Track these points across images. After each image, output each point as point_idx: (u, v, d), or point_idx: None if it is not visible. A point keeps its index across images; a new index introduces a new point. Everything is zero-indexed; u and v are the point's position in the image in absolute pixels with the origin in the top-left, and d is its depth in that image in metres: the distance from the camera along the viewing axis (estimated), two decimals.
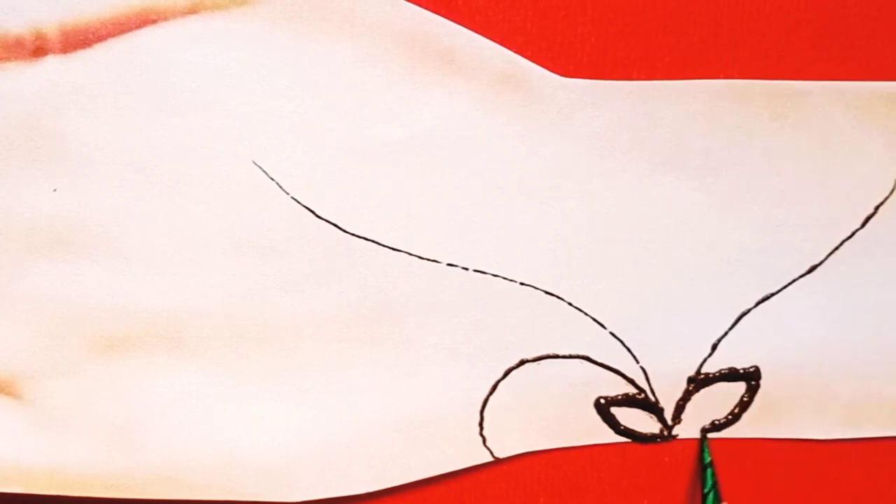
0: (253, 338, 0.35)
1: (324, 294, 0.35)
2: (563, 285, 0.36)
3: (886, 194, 0.36)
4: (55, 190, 0.34)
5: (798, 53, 0.35)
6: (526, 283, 0.36)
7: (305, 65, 0.34)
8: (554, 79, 0.35)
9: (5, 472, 0.35)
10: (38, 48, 0.34)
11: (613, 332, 0.36)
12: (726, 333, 0.36)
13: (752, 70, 0.35)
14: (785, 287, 0.36)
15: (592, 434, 0.36)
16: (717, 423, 0.37)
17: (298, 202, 0.35)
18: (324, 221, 0.35)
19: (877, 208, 0.36)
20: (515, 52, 0.35)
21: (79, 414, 0.35)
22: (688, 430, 0.37)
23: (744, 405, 0.36)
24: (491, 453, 0.36)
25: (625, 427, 0.36)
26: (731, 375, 0.36)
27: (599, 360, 0.36)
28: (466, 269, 0.35)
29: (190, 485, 0.35)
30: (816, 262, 0.36)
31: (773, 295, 0.36)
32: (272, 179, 0.35)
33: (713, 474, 0.36)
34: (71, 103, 0.34)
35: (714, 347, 0.36)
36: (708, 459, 0.36)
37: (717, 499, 0.36)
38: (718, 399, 0.37)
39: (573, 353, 0.36)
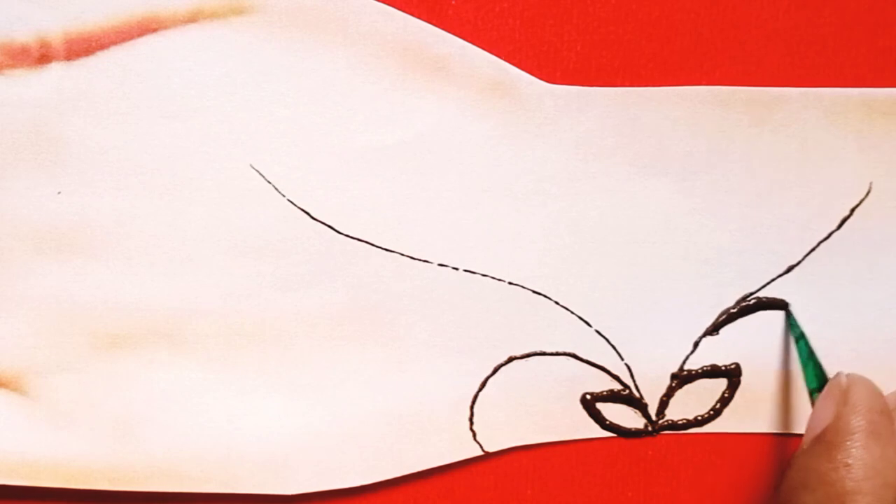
0: (250, 335, 0.35)
1: (318, 293, 0.35)
2: (549, 285, 0.36)
3: (861, 197, 0.36)
4: (59, 192, 0.34)
5: (776, 61, 0.36)
6: (514, 282, 0.36)
7: (300, 72, 0.34)
8: (541, 85, 0.35)
9: (11, 465, 0.35)
10: (42, 56, 0.34)
11: (599, 330, 0.36)
12: (708, 331, 0.36)
13: (732, 77, 0.36)
14: (764, 286, 0.36)
15: (579, 429, 0.36)
16: (699, 418, 0.37)
17: (294, 204, 0.35)
18: (318, 223, 0.35)
19: (852, 210, 0.36)
20: (504, 59, 0.35)
21: (82, 409, 0.35)
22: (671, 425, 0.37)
23: (725, 401, 0.37)
24: (480, 447, 0.36)
25: (610, 422, 0.37)
26: (712, 372, 0.36)
27: (585, 358, 0.36)
28: (457, 269, 0.36)
29: (189, 477, 0.35)
30: (794, 262, 0.36)
31: (752, 294, 0.36)
32: (269, 182, 0.35)
33: (806, 344, 0.35)
34: (74, 109, 0.34)
35: (696, 345, 0.36)
36: (798, 332, 0.35)
37: (818, 366, 0.34)
38: (700, 395, 0.37)
39: (560, 350, 0.36)
